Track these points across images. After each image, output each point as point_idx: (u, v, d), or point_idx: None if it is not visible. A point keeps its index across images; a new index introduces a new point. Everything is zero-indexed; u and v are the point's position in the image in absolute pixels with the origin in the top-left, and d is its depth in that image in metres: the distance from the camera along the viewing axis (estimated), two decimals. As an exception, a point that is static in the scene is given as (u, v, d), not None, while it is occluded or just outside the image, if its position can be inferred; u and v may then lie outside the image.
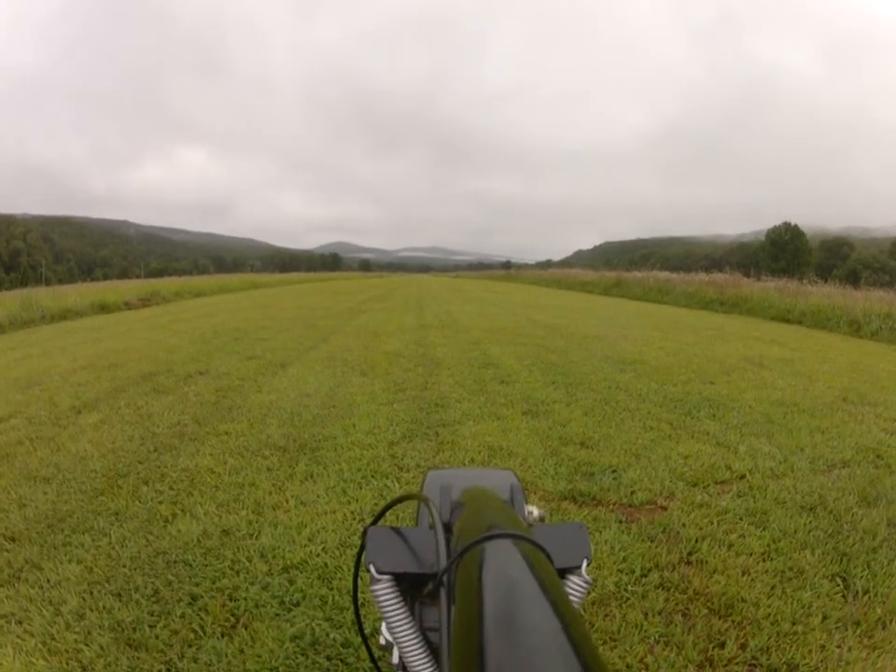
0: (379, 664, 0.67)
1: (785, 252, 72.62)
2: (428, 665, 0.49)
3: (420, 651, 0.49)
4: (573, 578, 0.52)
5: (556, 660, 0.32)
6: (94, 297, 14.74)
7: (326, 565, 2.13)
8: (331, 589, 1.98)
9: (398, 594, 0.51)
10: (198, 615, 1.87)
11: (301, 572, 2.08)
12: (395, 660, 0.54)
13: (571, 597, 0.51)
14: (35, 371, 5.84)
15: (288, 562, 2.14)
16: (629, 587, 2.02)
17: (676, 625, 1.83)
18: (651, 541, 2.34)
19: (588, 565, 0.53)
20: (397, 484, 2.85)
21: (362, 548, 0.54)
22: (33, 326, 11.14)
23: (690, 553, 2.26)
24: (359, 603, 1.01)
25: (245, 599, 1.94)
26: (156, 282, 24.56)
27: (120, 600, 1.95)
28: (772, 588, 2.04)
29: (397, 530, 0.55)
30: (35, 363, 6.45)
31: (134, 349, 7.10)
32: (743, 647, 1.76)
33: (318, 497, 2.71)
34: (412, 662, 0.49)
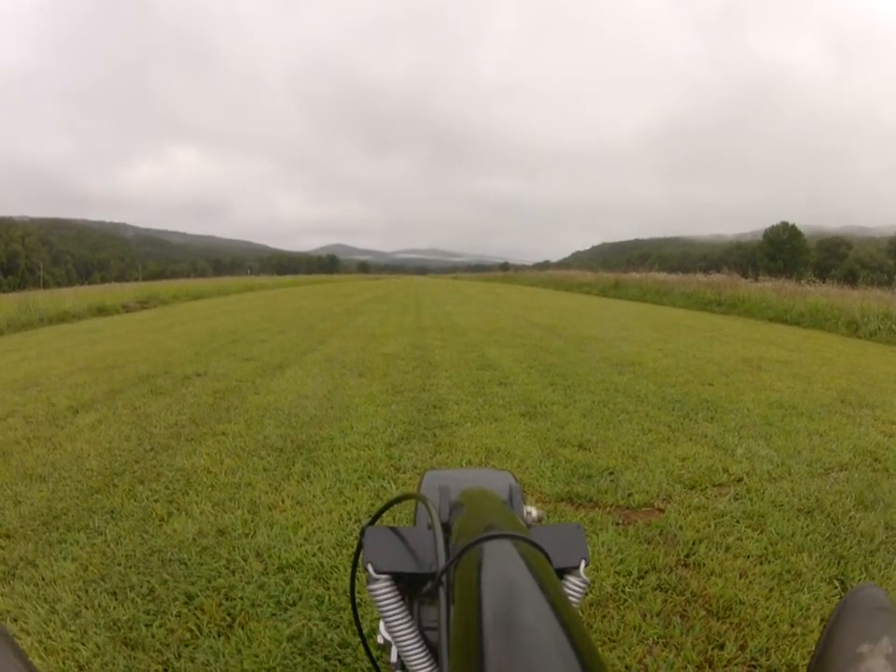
0: (377, 663, 0.66)
1: (783, 252, 72.85)
2: (427, 663, 0.49)
3: (418, 649, 0.49)
4: (571, 578, 0.52)
5: (555, 659, 0.32)
6: (92, 300, 14.73)
7: (322, 564, 2.12)
8: (328, 589, 1.97)
9: (396, 593, 0.51)
10: (194, 614, 1.85)
11: (297, 572, 2.07)
12: (393, 659, 0.55)
13: (570, 597, 0.51)
14: (32, 373, 5.83)
15: (284, 561, 2.13)
16: (627, 589, 2.01)
17: (674, 627, 1.83)
18: (649, 543, 2.33)
19: (586, 565, 0.53)
20: (394, 485, 2.84)
21: (360, 547, 0.54)
22: (31, 328, 11.12)
23: (687, 556, 2.25)
24: (357, 602, 1.01)
25: (241, 599, 1.93)
26: (154, 284, 24.57)
27: (116, 599, 1.94)
28: (770, 590, 2.03)
29: (395, 530, 0.55)
30: (32, 365, 6.44)
31: (132, 351, 7.09)
32: (742, 648, 1.75)
33: (315, 497, 2.70)
34: (410, 660, 0.49)
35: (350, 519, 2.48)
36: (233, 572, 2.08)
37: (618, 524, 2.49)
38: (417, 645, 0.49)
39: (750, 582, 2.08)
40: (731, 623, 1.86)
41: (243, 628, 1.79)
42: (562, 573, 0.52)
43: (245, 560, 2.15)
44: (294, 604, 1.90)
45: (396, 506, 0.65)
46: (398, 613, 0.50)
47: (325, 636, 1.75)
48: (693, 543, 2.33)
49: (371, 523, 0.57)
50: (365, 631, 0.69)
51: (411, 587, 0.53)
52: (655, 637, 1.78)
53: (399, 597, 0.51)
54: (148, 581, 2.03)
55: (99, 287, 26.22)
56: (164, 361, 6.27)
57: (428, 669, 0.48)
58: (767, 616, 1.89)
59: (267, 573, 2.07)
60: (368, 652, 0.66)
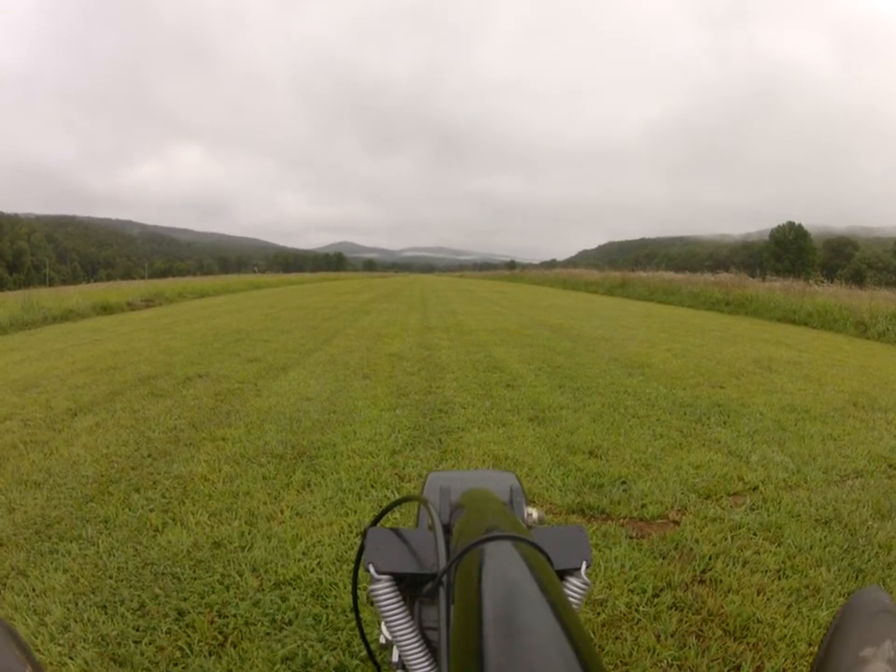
0: (381, 667, 0.68)
1: (789, 252, 72.83)
2: (427, 663, 0.49)
3: (419, 649, 0.50)
4: (572, 579, 0.53)
5: (555, 659, 0.31)
6: (97, 298, 14.70)
7: (320, 581, 2.03)
8: (326, 607, 1.89)
9: (397, 594, 0.52)
10: (185, 632, 1.78)
11: (295, 588, 1.99)
12: (394, 658, 0.56)
13: (570, 599, 0.52)
14: (33, 374, 5.77)
15: (281, 577, 2.05)
16: (641, 608, 1.93)
17: (690, 648, 1.75)
18: (664, 559, 2.24)
19: (588, 567, 0.53)
20: (397, 495, 2.76)
21: (362, 548, 0.54)
22: (34, 327, 11.08)
23: (703, 571, 2.16)
24: (359, 605, 0.99)
25: (234, 616, 1.85)
26: (159, 283, 24.56)
27: (106, 613, 1.87)
28: (788, 608, 1.95)
29: (396, 531, 0.56)
30: (33, 365, 6.38)
31: (134, 351, 7.04)
32: (759, 670, 1.68)
33: (315, 508, 2.61)
34: (410, 660, 0.50)
35: (351, 532, 2.38)
36: (227, 588, 2.00)
37: (631, 537, 2.40)
38: (417, 645, 0.50)
39: (768, 599, 2.00)
40: (748, 644, 1.79)
41: (235, 647, 1.72)
42: (563, 574, 0.53)
43: (240, 575, 2.07)
44: (290, 623, 1.82)
45: (399, 508, 0.63)
46: (398, 613, 0.51)
47: (321, 658, 1.67)
48: (710, 558, 2.25)
49: (374, 524, 0.58)
50: (368, 637, 0.66)
51: (412, 588, 0.54)
52: (670, 660, 1.71)
53: (399, 598, 0.52)
54: (139, 596, 1.96)
55: (104, 284, 26.25)
56: (166, 362, 6.22)
57: (427, 669, 0.49)
58: (785, 635, 1.82)
59: (262, 589, 1.99)
60: (369, 652, 0.67)
